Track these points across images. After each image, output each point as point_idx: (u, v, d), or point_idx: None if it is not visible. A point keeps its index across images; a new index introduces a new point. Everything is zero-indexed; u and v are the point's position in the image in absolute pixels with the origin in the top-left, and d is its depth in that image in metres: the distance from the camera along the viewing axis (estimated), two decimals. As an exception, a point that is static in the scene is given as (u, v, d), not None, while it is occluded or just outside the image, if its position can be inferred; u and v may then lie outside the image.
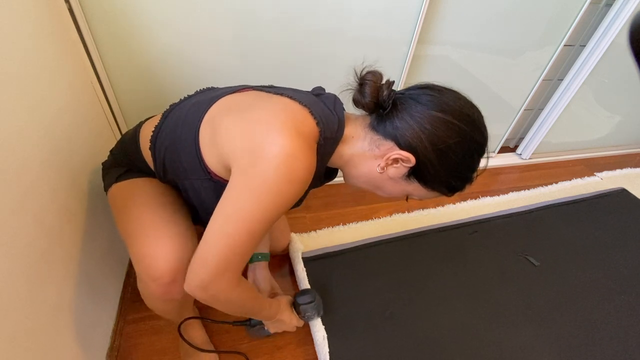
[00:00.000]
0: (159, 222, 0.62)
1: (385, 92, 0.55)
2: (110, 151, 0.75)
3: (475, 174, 0.58)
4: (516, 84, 1.42)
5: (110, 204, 0.70)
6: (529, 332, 0.94)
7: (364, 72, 0.57)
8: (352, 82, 0.58)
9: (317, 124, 0.55)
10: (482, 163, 0.58)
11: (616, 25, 1.28)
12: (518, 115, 1.52)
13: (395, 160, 0.56)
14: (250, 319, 0.81)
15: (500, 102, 1.45)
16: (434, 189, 0.58)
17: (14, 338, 0.52)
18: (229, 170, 0.54)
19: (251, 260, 0.92)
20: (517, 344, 0.91)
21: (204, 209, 0.64)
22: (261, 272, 0.91)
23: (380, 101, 0.56)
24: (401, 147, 0.54)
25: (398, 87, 1.20)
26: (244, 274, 0.93)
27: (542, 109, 1.59)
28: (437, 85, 0.57)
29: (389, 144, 0.55)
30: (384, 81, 0.57)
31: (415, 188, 0.59)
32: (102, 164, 0.75)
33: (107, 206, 0.71)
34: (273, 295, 0.88)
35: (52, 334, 0.62)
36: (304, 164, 0.50)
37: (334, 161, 0.62)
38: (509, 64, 1.32)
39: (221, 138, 0.53)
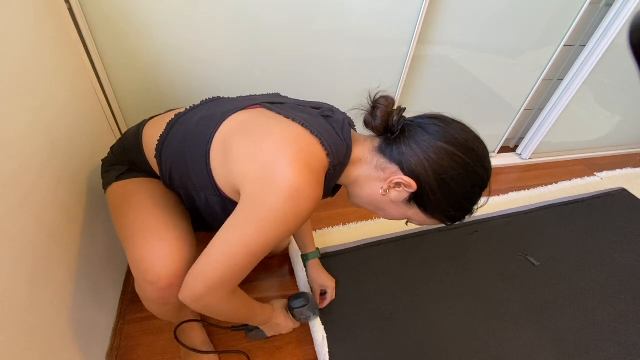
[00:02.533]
0: (158, 225, 0.62)
1: (395, 118, 0.57)
2: (111, 148, 0.75)
3: (475, 207, 0.59)
4: (516, 84, 1.42)
5: (108, 203, 0.69)
6: (529, 332, 0.94)
7: (377, 96, 0.59)
8: (365, 103, 0.60)
9: (328, 155, 0.55)
10: (484, 197, 0.59)
11: (616, 25, 1.28)
12: (518, 115, 1.52)
13: (398, 185, 0.57)
14: (247, 324, 0.82)
15: (500, 102, 1.45)
16: (434, 216, 0.60)
17: (15, 338, 0.52)
18: (237, 192, 0.55)
19: (305, 259, 0.97)
20: (517, 343, 0.91)
21: (211, 217, 0.65)
22: (313, 271, 0.95)
23: (389, 125, 0.58)
24: (405, 173, 0.56)
25: (398, 87, 1.20)
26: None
27: (542, 109, 1.59)
28: (446, 117, 0.58)
29: (394, 168, 0.57)
30: (395, 107, 0.58)
31: (415, 213, 0.60)
32: (102, 160, 0.75)
33: (107, 206, 0.71)
34: (323, 291, 0.94)
35: (52, 334, 0.62)
36: (310, 198, 0.51)
37: (341, 180, 0.65)
38: (509, 64, 1.32)
39: (232, 162, 0.54)
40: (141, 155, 0.67)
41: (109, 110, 0.97)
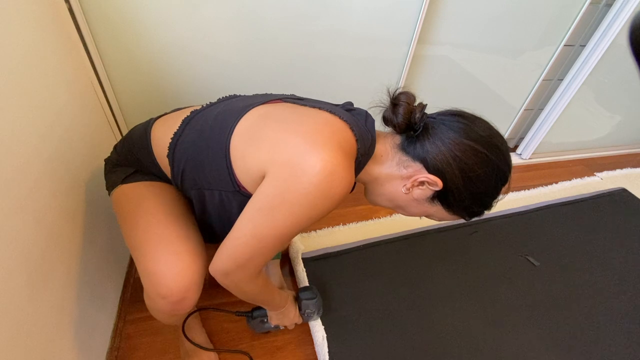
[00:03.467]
0: (170, 237, 0.60)
1: (417, 115, 0.56)
2: (115, 147, 0.72)
3: (495, 201, 0.59)
4: (516, 84, 1.42)
5: (114, 207, 0.68)
6: (529, 332, 0.94)
7: (397, 93, 0.58)
8: (383, 100, 0.59)
9: (357, 141, 0.55)
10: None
11: (616, 25, 1.28)
12: (518, 115, 1.52)
13: (422, 183, 0.57)
14: (252, 311, 0.83)
15: (500, 102, 1.45)
16: (455, 213, 0.60)
17: (15, 338, 0.52)
18: (258, 183, 0.53)
19: None
20: (517, 344, 0.91)
21: (222, 222, 0.63)
22: (273, 269, 0.95)
23: (412, 123, 0.56)
24: (429, 171, 0.55)
25: (398, 86, 1.20)
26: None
27: (542, 109, 1.59)
28: (468, 113, 0.58)
29: (417, 166, 0.56)
30: (416, 103, 0.57)
31: (437, 210, 0.60)
32: (105, 160, 0.73)
33: (107, 206, 0.70)
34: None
35: (52, 335, 0.62)
36: (344, 181, 0.50)
37: (360, 177, 0.63)
38: (509, 64, 1.32)
39: (257, 149, 0.52)
40: (149, 156, 0.65)
41: (109, 110, 0.97)
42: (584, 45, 1.39)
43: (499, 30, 1.20)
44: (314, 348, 0.87)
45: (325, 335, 0.86)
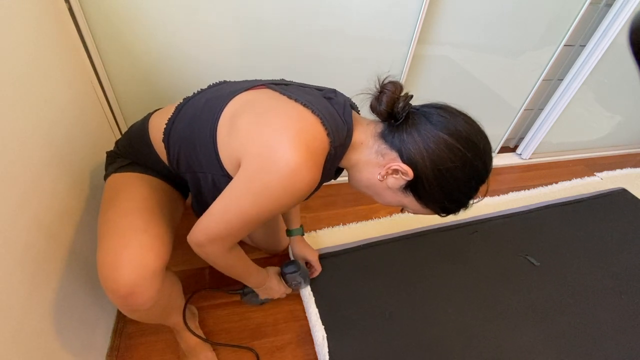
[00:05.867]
0: (128, 230, 0.59)
1: (400, 104, 0.57)
2: (116, 142, 0.76)
3: (471, 201, 0.59)
4: (516, 84, 1.42)
5: (102, 195, 0.68)
6: (529, 332, 0.94)
7: (385, 81, 0.59)
8: (373, 88, 0.60)
9: (328, 134, 0.56)
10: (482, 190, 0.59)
11: (616, 25, 1.28)
12: (518, 115, 1.52)
13: (395, 171, 0.58)
14: (243, 288, 0.88)
15: (500, 102, 1.45)
16: (427, 206, 0.61)
17: (15, 338, 0.52)
18: (238, 168, 0.56)
19: (289, 234, 0.99)
20: (517, 344, 0.91)
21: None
22: (296, 246, 0.99)
23: (394, 112, 0.57)
24: (403, 160, 0.56)
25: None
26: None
27: (542, 109, 1.59)
28: (451, 108, 0.58)
29: (393, 155, 0.57)
30: (402, 93, 0.58)
31: (410, 201, 0.61)
32: (107, 152, 0.76)
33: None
34: (309, 264, 0.99)
35: (52, 334, 0.62)
36: (306, 179, 0.52)
37: (342, 163, 0.65)
38: (509, 64, 1.32)
39: (235, 137, 0.56)
40: (146, 145, 0.68)
41: (109, 110, 0.97)
42: (584, 45, 1.39)
43: (499, 30, 1.20)
44: (314, 348, 0.87)
45: (325, 335, 0.86)
